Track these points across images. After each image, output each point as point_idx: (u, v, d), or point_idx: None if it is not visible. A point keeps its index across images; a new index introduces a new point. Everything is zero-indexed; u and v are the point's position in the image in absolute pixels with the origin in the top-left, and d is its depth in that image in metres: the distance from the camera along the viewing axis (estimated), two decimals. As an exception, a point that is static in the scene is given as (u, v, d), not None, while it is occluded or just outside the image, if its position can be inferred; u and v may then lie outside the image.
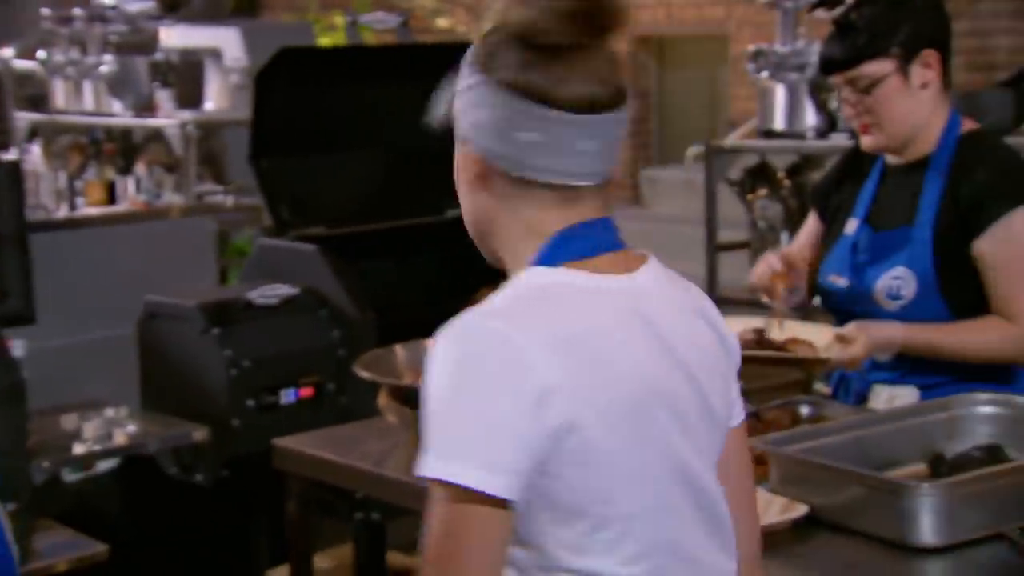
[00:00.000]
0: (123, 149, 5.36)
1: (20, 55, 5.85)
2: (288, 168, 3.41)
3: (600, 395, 1.12)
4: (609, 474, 1.12)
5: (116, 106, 5.34)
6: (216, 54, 5.29)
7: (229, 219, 4.62)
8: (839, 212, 2.22)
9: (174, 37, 5.40)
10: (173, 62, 5.26)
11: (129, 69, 5.31)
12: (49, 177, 5.00)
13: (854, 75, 2.06)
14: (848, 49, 2.07)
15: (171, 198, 4.70)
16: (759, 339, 2.17)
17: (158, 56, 5.29)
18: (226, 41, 5.28)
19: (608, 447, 1.12)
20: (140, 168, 5.08)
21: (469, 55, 1.21)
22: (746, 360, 2.02)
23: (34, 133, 5.64)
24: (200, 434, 2.90)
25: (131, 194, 4.77)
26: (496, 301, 1.16)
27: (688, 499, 1.18)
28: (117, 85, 5.34)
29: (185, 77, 5.24)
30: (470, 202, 1.24)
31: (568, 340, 1.12)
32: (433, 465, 1.09)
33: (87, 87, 5.46)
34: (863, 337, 2.04)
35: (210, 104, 5.26)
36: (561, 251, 1.18)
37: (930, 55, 2.06)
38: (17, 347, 3.11)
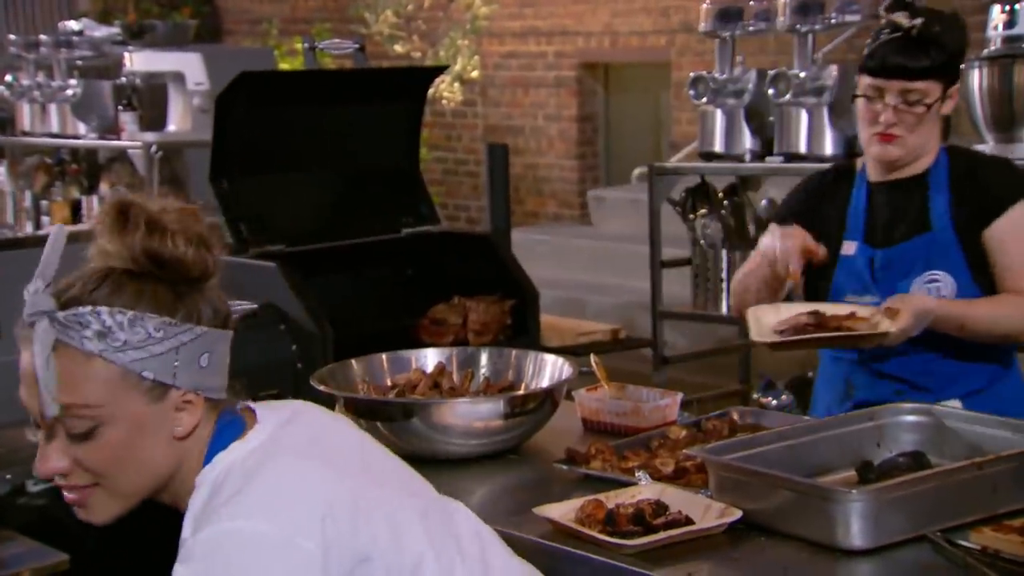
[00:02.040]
0: (88, 170, 5.31)
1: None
2: (248, 188, 3.38)
3: None
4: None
5: (81, 128, 5.29)
6: (179, 78, 5.25)
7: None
8: (823, 235, 2.18)
9: (138, 62, 5.36)
10: (137, 86, 5.22)
11: (94, 93, 5.26)
12: (15, 197, 4.94)
13: (913, 87, 2.06)
14: (922, 60, 2.05)
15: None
16: (818, 321, 2.08)
17: (122, 80, 5.25)
18: (189, 66, 5.24)
19: None
20: (104, 188, 5.03)
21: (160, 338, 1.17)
22: (808, 343, 2.04)
23: (0, 154, 5.58)
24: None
25: (95, 213, 4.71)
26: (225, 496, 1.16)
27: None
28: (82, 108, 5.29)
29: (149, 100, 5.20)
30: (169, 456, 1.19)
31: (290, 471, 1.23)
32: None
33: (53, 110, 5.40)
34: (907, 307, 2.02)
35: (173, 126, 5.21)
36: (231, 434, 1.22)
37: (955, 90, 2.13)
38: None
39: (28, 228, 4.60)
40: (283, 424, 1.24)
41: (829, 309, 2.10)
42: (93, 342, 1.13)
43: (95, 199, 4.85)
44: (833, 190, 2.24)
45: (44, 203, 4.86)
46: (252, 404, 1.28)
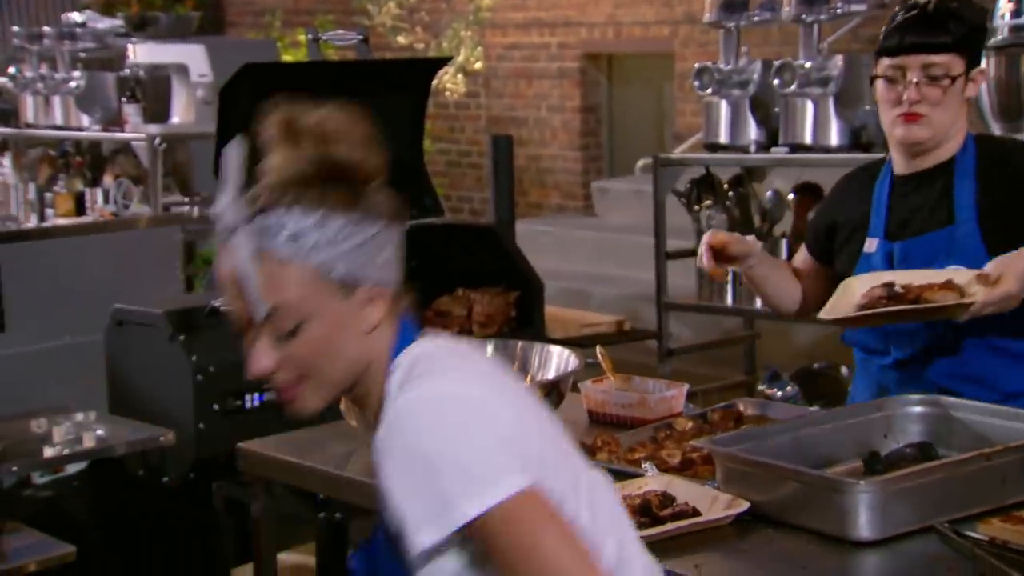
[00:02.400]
0: (92, 162, 5.30)
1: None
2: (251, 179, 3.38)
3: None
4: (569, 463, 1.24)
5: (85, 120, 5.28)
6: (183, 70, 5.24)
7: (195, 229, 4.58)
8: (853, 232, 2.13)
9: (141, 54, 5.35)
10: (140, 78, 5.21)
11: (97, 85, 5.25)
12: (19, 189, 4.93)
13: (935, 61, 2.00)
14: (942, 35, 1.99)
15: (138, 209, 4.65)
16: (890, 293, 1.95)
17: (126, 72, 5.24)
18: (192, 57, 5.23)
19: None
20: (108, 180, 5.02)
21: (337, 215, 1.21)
22: (885, 316, 1.89)
23: (4, 146, 5.56)
24: (167, 437, 2.87)
25: (99, 205, 4.71)
26: (424, 370, 1.20)
27: None
28: (86, 100, 5.28)
29: (152, 92, 5.19)
30: (361, 350, 1.24)
31: (471, 361, 1.24)
32: (492, 492, 1.12)
33: (56, 102, 5.39)
34: (1010, 271, 1.88)
35: (176, 118, 5.20)
36: (412, 331, 1.27)
37: (979, 73, 2.05)
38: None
39: (32, 220, 4.59)
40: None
41: (917, 278, 1.95)
42: (288, 244, 1.17)
43: (99, 191, 4.84)
44: (859, 188, 2.16)
45: (48, 195, 4.85)
46: None
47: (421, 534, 1.13)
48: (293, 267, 1.19)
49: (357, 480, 1.99)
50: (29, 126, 5.51)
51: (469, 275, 3.48)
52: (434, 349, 1.24)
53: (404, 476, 1.13)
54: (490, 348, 2.27)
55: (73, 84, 5.28)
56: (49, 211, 4.73)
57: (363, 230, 1.21)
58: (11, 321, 3.19)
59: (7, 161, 5.27)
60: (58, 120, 5.39)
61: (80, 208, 4.76)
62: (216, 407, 2.96)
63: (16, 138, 5.54)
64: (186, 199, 4.95)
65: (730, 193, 4.20)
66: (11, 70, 5.59)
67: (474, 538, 1.14)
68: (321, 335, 1.20)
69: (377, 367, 1.24)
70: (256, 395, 3.03)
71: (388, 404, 1.18)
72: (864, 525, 1.54)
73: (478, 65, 7.93)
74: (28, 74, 5.50)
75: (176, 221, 4.41)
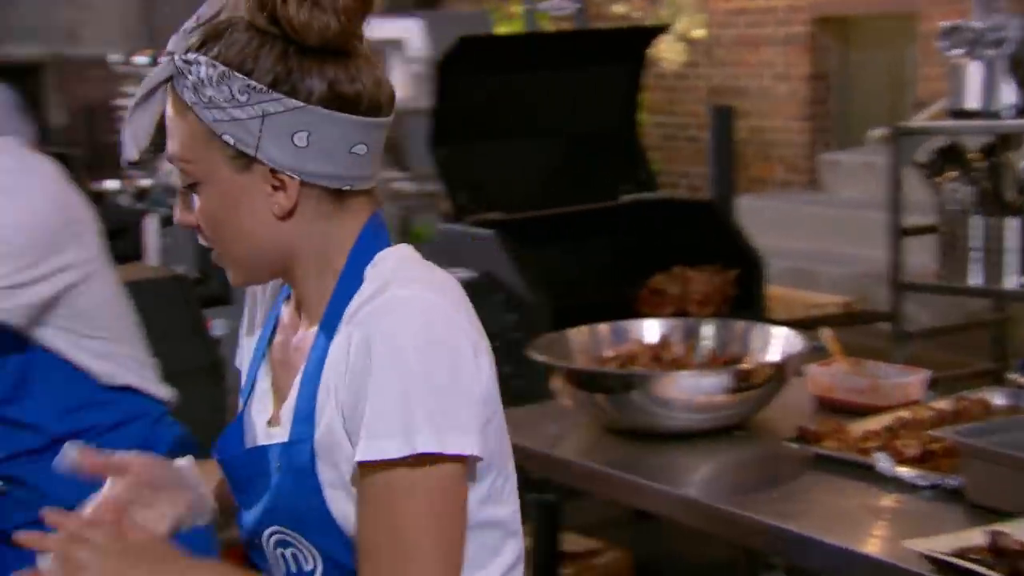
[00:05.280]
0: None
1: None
2: (467, 155, 3.44)
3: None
4: (505, 425, 1.17)
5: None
6: (398, 45, 5.39)
7: (411, 205, 4.71)
8: None
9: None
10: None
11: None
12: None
13: None
14: None
15: (357, 185, 4.81)
16: None
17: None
18: (408, 32, 5.37)
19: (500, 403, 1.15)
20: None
21: (234, 77, 1.08)
22: None
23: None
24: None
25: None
26: (396, 276, 1.10)
27: None
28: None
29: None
30: (270, 235, 1.12)
31: (462, 299, 1.12)
32: (425, 440, 1.03)
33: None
34: None
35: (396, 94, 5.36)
36: (379, 240, 1.14)
37: None
38: (217, 327, 3.25)
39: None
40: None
41: None
42: (189, 92, 1.08)
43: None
44: None
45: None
46: None
47: (373, 444, 1.04)
48: (189, 118, 1.10)
49: (570, 461, 1.99)
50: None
51: (686, 252, 3.43)
52: (416, 258, 1.14)
53: (375, 378, 1.04)
54: (709, 328, 2.23)
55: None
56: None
57: (269, 102, 1.07)
58: (239, 293, 3.36)
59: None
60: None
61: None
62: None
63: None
64: (403, 175, 5.10)
65: (979, 164, 3.96)
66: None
67: (359, 477, 1.06)
68: (214, 204, 1.11)
69: (315, 265, 1.13)
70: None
71: (363, 305, 1.08)
72: None
73: (698, 32, 7.79)
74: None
75: (393, 197, 4.55)
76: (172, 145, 1.12)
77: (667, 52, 7.73)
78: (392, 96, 1.13)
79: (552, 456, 2.03)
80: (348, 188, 1.12)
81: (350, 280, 1.12)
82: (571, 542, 3.06)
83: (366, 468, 1.05)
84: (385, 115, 1.12)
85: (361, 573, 1.07)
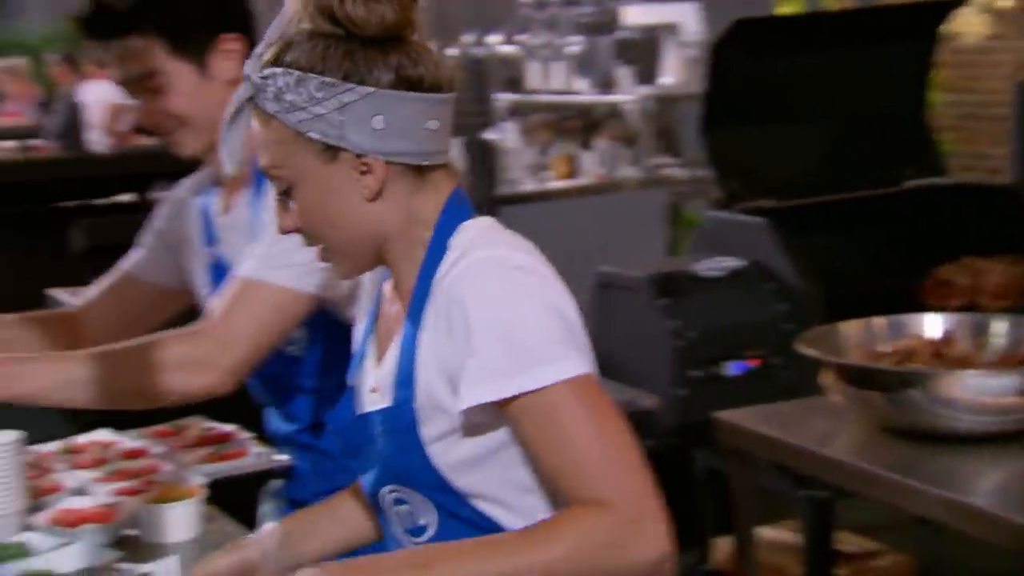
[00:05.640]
0: (586, 125, 5.60)
1: (504, 40, 6.29)
2: (738, 140, 3.37)
3: None
4: None
5: (581, 84, 5.59)
6: (673, 29, 5.34)
7: (681, 191, 4.67)
8: None
9: (633, 15, 5.54)
10: (633, 39, 5.39)
11: (594, 48, 5.52)
12: (523, 153, 5.35)
13: None
14: None
15: (627, 171, 4.83)
16: None
17: (620, 35, 5.45)
18: (684, 16, 5.32)
19: None
20: (600, 143, 5.28)
21: (309, 77, 1.17)
22: None
23: (512, 112, 6.06)
24: (649, 401, 2.96)
25: (592, 167, 4.97)
26: (478, 241, 1.17)
27: None
28: (583, 64, 5.57)
29: (644, 53, 5.36)
30: (364, 218, 1.20)
31: (545, 263, 1.18)
32: (555, 369, 1.10)
33: (557, 67, 5.76)
34: None
35: (666, 79, 5.33)
36: (462, 212, 1.22)
37: None
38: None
39: (529, 184, 4.96)
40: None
41: None
42: (271, 103, 1.18)
43: (591, 154, 5.11)
44: None
45: (546, 158, 5.21)
46: None
47: (474, 389, 1.11)
48: (275, 127, 1.19)
49: (841, 461, 1.92)
50: (532, 92, 5.95)
51: (978, 241, 3.20)
52: (497, 227, 1.21)
53: (475, 329, 1.11)
54: (1002, 324, 2.07)
55: (571, 49, 5.60)
56: (547, 174, 5.07)
57: (344, 93, 1.16)
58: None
59: (513, 126, 5.74)
60: (558, 85, 5.76)
61: (574, 171, 5.05)
62: (697, 373, 3.00)
63: (521, 104, 6.01)
64: (672, 160, 5.06)
65: None
66: (519, 38, 6.04)
67: (511, 417, 1.12)
68: (312, 200, 1.20)
69: (406, 241, 1.21)
70: (737, 363, 3.04)
71: (450, 269, 1.16)
72: None
73: (1005, 3, 7.25)
74: (533, 41, 5.92)
75: (662, 183, 4.53)
76: (264, 158, 1.21)
77: (967, 25, 7.24)
78: (452, 74, 1.21)
79: (823, 455, 1.97)
80: (428, 163, 1.20)
81: (437, 250, 1.19)
82: (846, 542, 2.94)
83: (508, 407, 1.11)
84: (447, 91, 1.20)
85: (569, 494, 1.10)
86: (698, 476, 3.02)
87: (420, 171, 1.20)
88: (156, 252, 1.81)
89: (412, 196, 1.20)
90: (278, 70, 1.17)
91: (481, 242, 1.17)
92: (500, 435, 1.16)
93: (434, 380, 1.17)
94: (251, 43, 1.62)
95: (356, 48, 1.16)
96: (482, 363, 1.11)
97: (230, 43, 1.63)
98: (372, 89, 1.16)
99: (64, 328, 1.78)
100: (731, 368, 3.02)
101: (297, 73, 1.16)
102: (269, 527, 1.36)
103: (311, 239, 1.23)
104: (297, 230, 1.23)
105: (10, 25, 12.76)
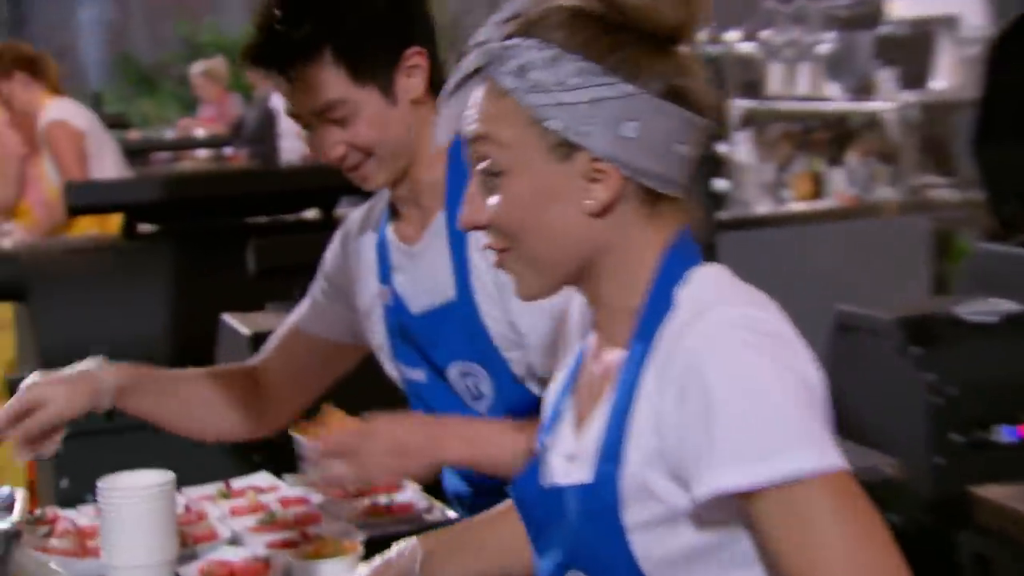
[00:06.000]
0: (836, 137, 5.49)
1: (743, 38, 6.24)
2: (1019, 157, 3.23)
3: None
4: None
5: (832, 89, 5.48)
6: (950, 23, 5.17)
7: (952, 217, 4.50)
8: None
9: (901, 8, 5.39)
10: (899, 36, 5.25)
11: (850, 46, 5.41)
12: (758, 169, 5.29)
13: None
14: None
15: (884, 192, 4.70)
16: None
17: (883, 30, 5.31)
18: (965, 6, 5.14)
19: None
20: (853, 158, 5.16)
21: (575, 56, 1.15)
22: None
23: (748, 121, 6.00)
24: (895, 469, 2.87)
25: (840, 187, 4.86)
26: (716, 297, 1.15)
27: None
28: (835, 65, 5.47)
29: (911, 52, 5.21)
30: (579, 233, 1.18)
31: (788, 323, 1.14)
32: (811, 458, 1.07)
33: (803, 69, 5.67)
34: None
35: (938, 83, 5.16)
36: (689, 256, 1.19)
37: None
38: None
39: (767, 205, 4.90)
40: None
41: None
42: (509, 78, 1.16)
43: (841, 171, 5.00)
44: None
45: (786, 176, 5.14)
46: None
47: (714, 475, 1.07)
48: (509, 101, 1.16)
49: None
50: (772, 97, 5.88)
51: None
52: (733, 279, 1.18)
53: (718, 405, 1.08)
54: None
55: (822, 47, 5.50)
56: (786, 194, 5.00)
57: (603, 86, 1.13)
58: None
59: (748, 138, 5.68)
60: (803, 89, 5.67)
61: (819, 191, 4.96)
62: (958, 438, 2.89)
63: (758, 112, 5.94)
64: (944, 181, 4.89)
65: None
66: (762, 34, 5.97)
67: (752, 510, 1.08)
68: (524, 196, 1.17)
69: (618, 278, 1.18)
70: (1009, 428, 2.90)
71: (683, 328, 1.13)
72: None
73: None
74: (776, 39, 5.84)
75: (928, 207, 4.39)
76: (481, 127, 1.19)
77: None
78: (717, 100, 1.19)
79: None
80: (666, 192, 1.17)
81: (660, 301, 1.16)
82: None
83: (751, 498, 1.08)
84: (708, 116, 1.18)
85: None
86: (962, 562, 2.90)
87: (654, 199, 1.17)
88: (325, 302, 1.83)
89: (637, 225, 1.18)
90: (529, 41, 1.15)
91: (719, 298, 1.14)
92: (723, 532, 1.13)
93: (649, 457, 1.12)
94: (433, 55, 1.63)
95: (629, 40, 1.14)
96: (726, 445, 1.07)
97: (414, 58, 1.62)
98: (635, 90, 1.14)
99: (247, 385, 1.83)
100: (1001, 434, 2.90)
101: (554, 50, 1.14)
102: (410, 544, 1.39)
103: (500, 239, 1.20)
104: (484, 226, 1.20)
105: (211, 20, 13.52)
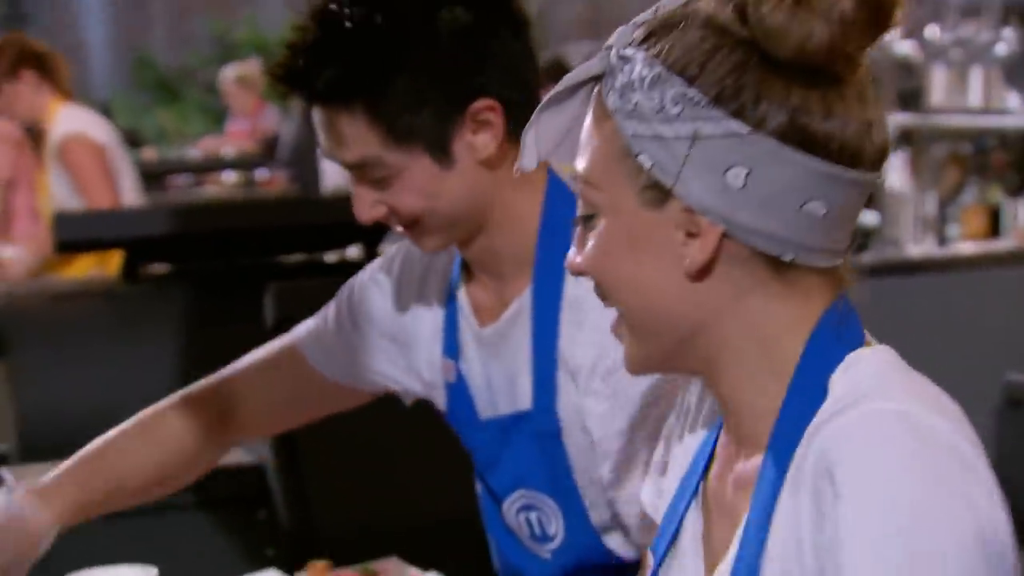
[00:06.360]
0: (1017, 161, 5.41)
1: (901, 36, 6.15)
2: None
3: None
4: None
5: (1013, 100, 5.40)
6: None
7: None
8: None
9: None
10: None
11: (1035, 48, 5.33)
12: (917, 200, 5.23)
13: None
14: None
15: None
16: None
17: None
18: None
19: None
20: (1039, 188, 5.08)
21: (678, 83, 1.13)
22: None
23: (904, 140, 5.92)
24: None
25: (1021, 223, 4.78)
26: (876, 385, 1.12)
27: None
28: (1017, 70, 5.40)
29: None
30: (675, 296, 1.16)
31: (967, 427, 1.11)
32: None
33: (975, 74, 5.58)
34: None
35: None
36: (848, 336, 1.17)
37: None
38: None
39: (925, 245, 4.83)
40: None
41: None
42: (614, 95, 1.16)
43: (1022, 204, 4.92)
44: None
45: (952, 209, 5.07)
46: None
47: None
48: (608, 129, 1.16)
49: None
50: (936, 111, 5.79)
51: None
52: (904, 367, 1.14)
53: (848, 529, 1.04)
54: None
55: (1000, 48, 5.43)
56: (952, 230, 4.93)
57: (707, 120, 1.11)
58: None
59: (903, 161, 5.61)
60: (975, 101, 5.59)
61: (995, 228, 4.89)
62: None
63: (918, 128, 5.86)
64: None
65: None
66: (926, 32, 5.87)
67: None
68: (615, 246, 1.17)
69: (751, 356, 1.16)
70: None
71: (826, 421, 1.09)
72: None
73: None
74: (941, 36, 5.76)
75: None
76: (582, 162, 1.19)
77: None
78: (885, 148, 1.16)
79: None
80: (791, 259, 1.14)
81: (807, 389, 1.14)
82: None
83: None
84: (866, 168, 1.14)
85: None
86: None
87: (779, 267, 1.15)
88: (334, 333, 1.77)
89: (761, 297, 1.16)
90: (640, 54, 1.15)
91: (881, 388, 1.11)
92: None
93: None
94: (514, 101, 1.54)
95: (753, 65, 1.12)
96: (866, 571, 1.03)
97: (483, 113, 1.53)
98: (744, 128, 1.11)
99: (199, 422, 1.77)
100: None
101: (659, 68, 1.13)
102: None
103: (599, 292, 1.21)
104: (583, 273, 1.21)
105: (250, 14, 13.67)
